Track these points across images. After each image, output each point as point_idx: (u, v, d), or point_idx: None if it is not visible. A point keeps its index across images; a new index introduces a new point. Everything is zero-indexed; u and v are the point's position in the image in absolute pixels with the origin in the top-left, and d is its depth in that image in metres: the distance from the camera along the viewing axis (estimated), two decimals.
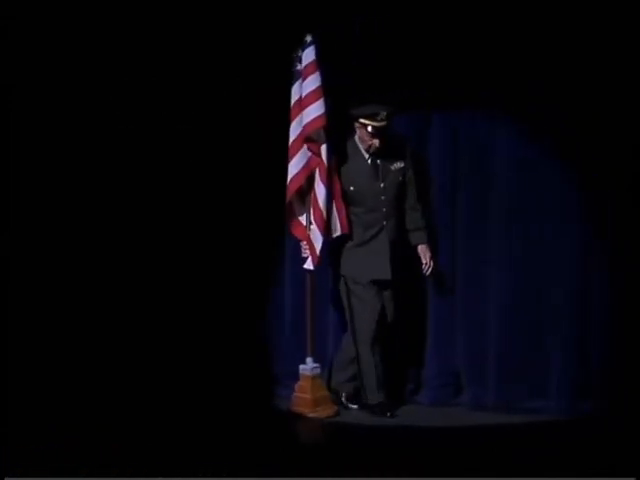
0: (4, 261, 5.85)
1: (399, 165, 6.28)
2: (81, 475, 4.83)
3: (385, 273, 6.22)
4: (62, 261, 6.03)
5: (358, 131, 6.23)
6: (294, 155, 6.25)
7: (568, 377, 6.28)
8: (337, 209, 6.25)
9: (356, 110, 6.16)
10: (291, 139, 6.25)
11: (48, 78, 6.07)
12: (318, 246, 6.25)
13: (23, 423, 5.25)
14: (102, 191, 6.17)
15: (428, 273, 6.33)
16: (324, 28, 6.17)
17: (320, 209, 6.23)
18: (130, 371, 5.85)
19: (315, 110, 6.14)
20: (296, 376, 6.38)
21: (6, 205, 5.90)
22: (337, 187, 6.24)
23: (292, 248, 6.53)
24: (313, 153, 6.22)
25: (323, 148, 6.20)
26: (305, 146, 6.21)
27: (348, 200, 6.28)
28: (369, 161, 6.26)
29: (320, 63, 6.15)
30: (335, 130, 6.24)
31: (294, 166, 6.25)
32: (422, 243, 6.32)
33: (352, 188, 6.26)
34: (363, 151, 6.26)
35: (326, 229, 6.25)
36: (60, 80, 6.08)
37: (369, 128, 6.13)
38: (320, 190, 6.23)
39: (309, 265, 6.31)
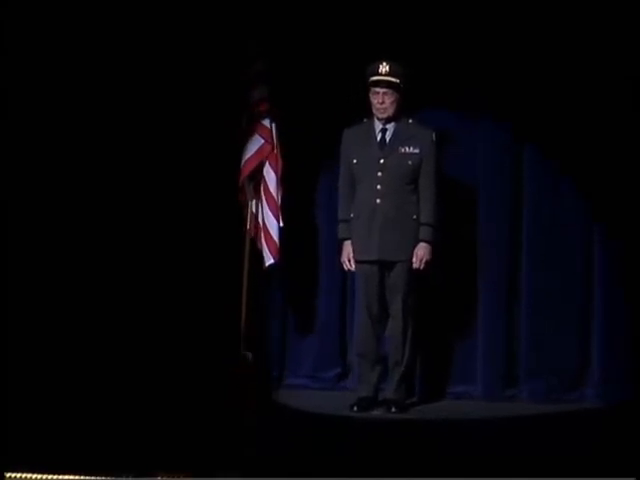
0: (3, 261, 5.91)
1: (411, 150, 6.13)
2: (81, 470, 4.86)
3: (371, 253, 6.12)
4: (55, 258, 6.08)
5: (370, 98, 6.16)
6: (247, 140, 6.31)
7: None
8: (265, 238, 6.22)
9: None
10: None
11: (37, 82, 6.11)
12: (275, 234, 6.23)
13: (23, 418, 5.30)
14: (96, 192, 6.19)
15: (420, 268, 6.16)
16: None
17: (273, 196, 6.24)
18: (129, 369, 5.89)
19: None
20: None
21: (5, 205, 5.96)
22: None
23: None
24: (263, 138, 6.27)
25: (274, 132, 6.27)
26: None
27: (353, 181, 6.19)
28: (378, 137, 6.18)
29: None
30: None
31: (247, 150, 6.30)
32: (422, 240, 6.15)
33: (355, 161, 6.19)
34: (376, 127, 6.17)
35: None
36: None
37: (372, 83, 6.08)
38: (271, 177, 6.26)
39: (269, 260, 6.25)
